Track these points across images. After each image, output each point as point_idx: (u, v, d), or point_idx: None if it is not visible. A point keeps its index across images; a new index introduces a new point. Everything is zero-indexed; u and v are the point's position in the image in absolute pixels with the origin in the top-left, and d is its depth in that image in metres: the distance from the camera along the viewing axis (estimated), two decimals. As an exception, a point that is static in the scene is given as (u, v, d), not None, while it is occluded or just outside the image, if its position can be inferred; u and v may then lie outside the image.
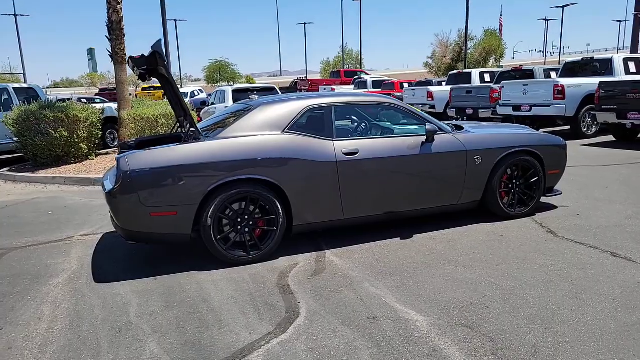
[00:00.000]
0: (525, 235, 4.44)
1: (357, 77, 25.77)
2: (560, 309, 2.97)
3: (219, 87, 14.18)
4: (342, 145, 4.22)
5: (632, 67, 11.54)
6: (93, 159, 9.81)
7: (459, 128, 4.95)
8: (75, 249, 4.65)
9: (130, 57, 3.89)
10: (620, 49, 70.38)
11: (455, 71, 17.63)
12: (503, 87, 11.89)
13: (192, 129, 4.02)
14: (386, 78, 23.80)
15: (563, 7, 40.81)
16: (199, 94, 30.61)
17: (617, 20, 64.80)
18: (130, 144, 4.95)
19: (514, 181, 4.92)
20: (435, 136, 4.56)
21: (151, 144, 4.90)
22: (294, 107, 4.25)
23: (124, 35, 10.24)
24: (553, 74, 13.65)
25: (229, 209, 3.93)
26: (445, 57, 39.22)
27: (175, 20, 51.86)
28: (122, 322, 3.07)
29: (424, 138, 4.52)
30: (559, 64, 16.31)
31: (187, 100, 23.54)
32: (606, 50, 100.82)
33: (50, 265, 4.21)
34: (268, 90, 12.30)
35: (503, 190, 4.88)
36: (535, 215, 5.04)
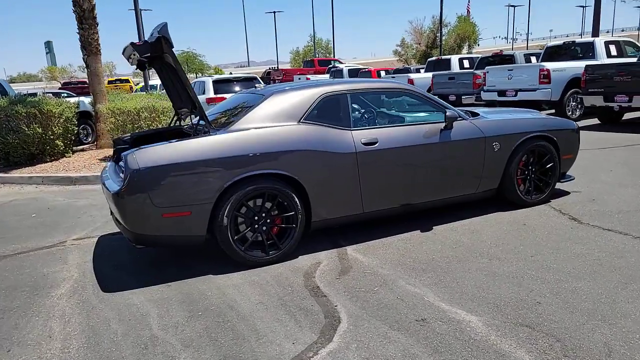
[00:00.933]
0: (548, 223, 4.31)
1: (331, 66, 25.48)
2: (617, 302, 2.83)
3: (197, 78, 13.65)
4: (360, 135, 3.98)
5: (613, 50, 11.67)
6: (70, 156, 9.27)
7: (474, 114, 4.77)
8: (72, 255, 4.28)
9: (132, 44, 3.53)
10: (582, 34, 72.26)
11: (434, 58, 17.56)
12: (487, 72, 11.85)
13: (202, 122, 3.70)
14: (362, 66, 23.59)
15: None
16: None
17: (581, 6, 66.31)
18: (126, 140, 4.58)
19: (530, 167, 4.79)
20: (454, 123, 4.37)
21: (149, 139, 4.57)
22: (309, 95, 3.98)
23: (97, 24, 9.69)
24: (533, 59, 13.71)
25: (245, 206, 3.64)
26: (419, 44, 39.30)
27: (139, 10, 49.96)
28: (146, 337, 2.77)
29: (442, 125, 4.32)
30: (527, 49, 16.43)
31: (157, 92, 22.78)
32: (567, 36, 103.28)
33: (48, 275, 3.84)
34: (250, 80, 11.92)
35: (519, 178, 4.74)
36: (550, 202, 4.93)
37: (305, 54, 59.88)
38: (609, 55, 11.50)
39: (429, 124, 4.29)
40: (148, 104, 8.54)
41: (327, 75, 23.11)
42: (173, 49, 3.54)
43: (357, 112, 4.21)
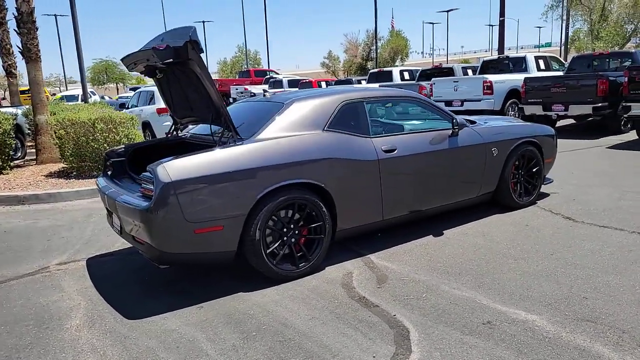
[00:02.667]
0: (547, 223, 4.56)
1: (269, 76, 25.36)
2: (654, 292, 3.05)
3: (144, 87, 12.96)
4: (380, 142, 3.98)
5: (542, 64, 12.71)
6: (8, 173, 8.41)
7: (471, 122, 4.95)
8: (65, 282, 3.85)
9: (154, 48, 3.27)
10: (489, 50, 77.87)
11: (375, 69, 18.06)
12: (434, 84, 12.39)
13: (228, 131, 3.51)
14: (300, 77, 23.70)
15: (448, 11, 44.22)
16: (92, 95, 28.09)
17: (490, 25, 71.52)
18: (120, 152, 4.25)
19: (520, 171, 5.05)
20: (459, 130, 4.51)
21: (147, 151, 4.27)
22: (330, 102, 3.92)
23: (37, 29, 8.93)
24: (470, 72, 14.55)
25: (275, 218, 3.50)
26: (355, 56, 40.34)
27: (55, 16, 46.17)
28: (209, 364, 2.55)
29: (449, 132, 4.44)
30: (447, 63, 17.51)
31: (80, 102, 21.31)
32: (475, 52, 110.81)
33: (48, 305, 3.43)
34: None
35: (513, 181, 4.98)
36: (537, 203, 5.22)
37: (234, 64, 59.12)
38: (538, 68, 12.49)
39: (438, 131, 4.39)
40: (104, 115, 7.96)
41: (265, 86, 22.92)
42: (202, 54, 3.33)
43: (373, 120, 4.20)
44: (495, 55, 13.71)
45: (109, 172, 4.15)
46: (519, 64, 12.56)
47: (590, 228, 4.33)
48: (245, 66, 45.68)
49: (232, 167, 3.28)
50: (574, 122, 12.13)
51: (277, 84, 22.65)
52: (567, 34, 27.75)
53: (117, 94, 46.76)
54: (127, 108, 12.76)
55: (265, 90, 6.10)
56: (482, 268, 3.59)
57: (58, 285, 3.80)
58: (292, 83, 22.20)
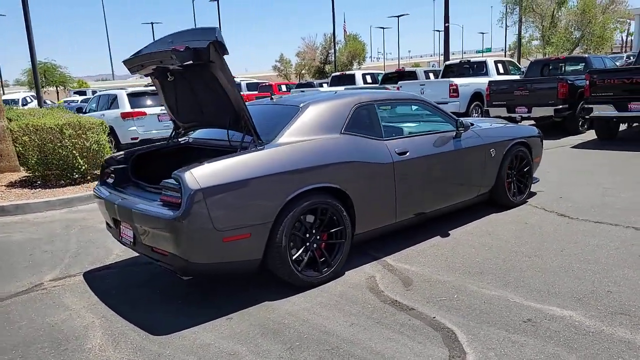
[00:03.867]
0: (545, 220, 4.72)
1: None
2: (671, 283, 3.21)
3: (103, 90, 12.35)
4: (393, 145, 3.99)
5: (501, 68, 13.23)
6: (-38, 184, 7.76)
7: (470, 124, 5.05)
8: (67, 299, 3.59)
9: (174, 50, 3.11)
10: (434, 55, 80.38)
11: (338, 73, 18.16)
12: (401, 87, 12.61)
13: (249, 135, 3.39)
14: (259, 81, 23.46)
15: (398, 16, 45.25)
16: (31, 100, 26.63)
17: (437, 30, 73.80)
18: (120, 159, 4.02)
19: (513, 171, 5.21)
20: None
21: (149, 158, 4.08)
22: (344, 105, 3.88)
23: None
24: (431, 75, 14.92)
25: (298, 224, 3.42)
26: (314, 59, 40.47)
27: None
28: (263, 378, 2.44)
29: (453, 133, 4.52)
30: (399, 67, 17.94)
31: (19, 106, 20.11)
32: (421, 57, 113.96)
33: (57, 325, 3.18)
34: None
35: (508, 181, 5.13)
36: (528, 202, 5.40)
37: (180, 68, 57.50)
38: (498, 72, 13.00)
39: (444, 133, 4.46)
40: (72, 120, 7.53)
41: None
42: (225, 56, 3.19)
43: (383, 122, 4.20)
44: (456, 60, 14.15)
45: (111, 180, 3.91)
46: (479, 68, 13.02)
47: (586, 224, 4.52)
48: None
49: (260, 172, 3.18)
50: (534, 123, 12.68)
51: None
52: (519, 39, 29.21)
53: (58, 98, 44.41)
54: (84, 112, 12.14)
55: (272, 94, 5.91)
56: (501, 266, 3.66)
57: (60, 302, 3.54)
58: (251, 86, 21.96)
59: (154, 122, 10.75)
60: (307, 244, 3.48)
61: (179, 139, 4.37)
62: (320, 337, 2.80)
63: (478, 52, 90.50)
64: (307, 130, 3.60)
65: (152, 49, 3.49)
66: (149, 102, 10.89)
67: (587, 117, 8.93)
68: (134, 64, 3.67)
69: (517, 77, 13.36)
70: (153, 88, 11.52)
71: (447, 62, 14.21)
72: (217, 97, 3.46)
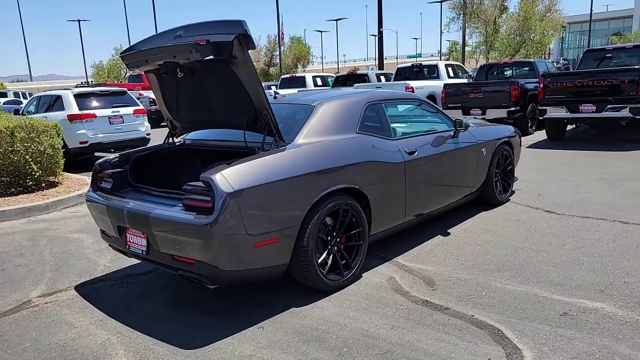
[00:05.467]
0: (535, 217, 4.90)
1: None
2: (676, 271, 3.43)
3: (47, 91, 11.41)
4: (402, 144, 3.98)
5: (451, 72, 13.72)
6: None
7: (461, 123, 5.15)
8: (68, 316, 3.26)
9: (195, 43, 2.90)
10: (368, 59, 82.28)
11: (287, 75, 18.03)
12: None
13: (270, 136, 3.24)
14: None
15: (337, 20, 45.84)
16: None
17: (373, 35, 75.56)
18: (115, 163, 3.72)
19: (498, 170, 5.38)
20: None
21: (148, 160, 3.82)
22: (356, 103, 3.83)
23: None
24: (383, 78, 15.20)
25: (322, 226, 3.31)
26: (258, 61, 39.92)
27: None
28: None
29: (452, 133, 4.59)
30: (339, 71, 18.21)
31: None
32: (354, 61, 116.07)
33: (68, 344, 2.87)
34: (120, 94, 10.51)
35: (494, 179, 5.29)
36: (510, 199, 5.60)
37: (111, 68, 54.94)
38: (449, 76, 13.47)
39: (444, 132, 4.51)
40: (24, 122, 6.90)
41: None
42: (249, 51, 3.02)
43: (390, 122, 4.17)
44: (409, 63, 14.52)
45: (108, 186, 3.60)
46: (431, 71, 13.43)
47: (575, 219, 4.75)
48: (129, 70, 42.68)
49: (288, 174, 3.05)
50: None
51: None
52: (463, 44, 30.55)
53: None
54: (22, 115, 11.18)
55: (276, 92, 5.68)
56: (514, 262, 3.74)
57: (61, 319, 3.20)
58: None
59: (105, 125, 10.10)
60: (329, 247, 3.38)
61: (175, 141, 4.11)
62: (367, 342, 2.72)
63: (410, 57, 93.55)
64: (324, 130, 3.51)
65: (160, 43, 3.24)
66: (98, 103, 10.20)
67: (541, 118, 9.43)
68: (136, 59, 3.41)
69: (465, 80, 13.91)
70: (102, 88, 10.87)
71: (399, 66, 14.54)
72: (234, 95, 3.27)
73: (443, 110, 4.88)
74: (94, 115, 9.92)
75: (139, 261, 4.12)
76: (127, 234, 3.29)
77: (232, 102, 3.35)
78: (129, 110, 10.31)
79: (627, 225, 4.49)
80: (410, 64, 14.24)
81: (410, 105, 4.58)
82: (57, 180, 7.58)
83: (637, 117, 8.48)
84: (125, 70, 55.14)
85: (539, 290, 3.25)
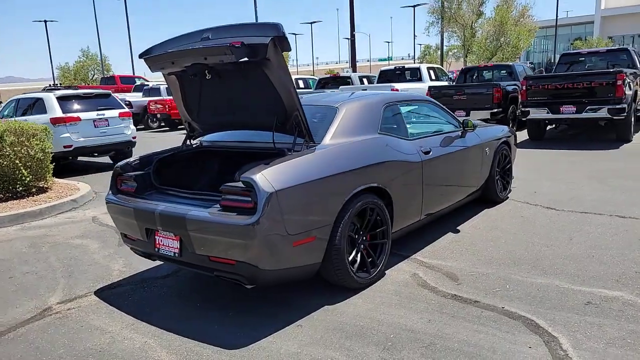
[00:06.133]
0: (536, 213, 5.09)
1: (140, 83, 23.65)
2: (682, 261, 3.64)
3: (26, 94, 11.04)
4: (418, 144, 4.08)
5: (432, 74, 13.99)
6: None
7: (463, 124, 5.30)
8: (96, 321, 3.22)
9: (231, 45, 2.92)
10: (342, 61, 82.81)
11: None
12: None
13: (300, 137, 3.29)
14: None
15: (311, 23, 46.01)
16: None
17: (347, 38, 76.14)
18: (135, 165, 3.70)
19: (498, 168, 5.56)
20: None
21: (168, 162, 3.80)
22: (376, 104, 3.93)
23: None
24: (365, 81, 15.38)
25: (351, 225, 3.37)
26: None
27: None
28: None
29: (459, 133, 4.73)
30: (314, 74, 18.34)
31: None
32: (327, 64, 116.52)
33: (105, 349, 2.85)
34: (104, 97, 10.29)
35: (496, 178, 5.46)
36: (509, 197, 5.79)
37: (78, 70, 53.53)
38: (431, 78, 13.74)
39: (452, 133, 4.64)
40: (13, 126, 6.71)
41: (139, 94, 21.30)
42: (285, 52, 3.06)
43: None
44: (392, 66, 14.73)
45: (131, 188, 3.56)
46: (414, 74, 13.67)
47: (575, 215, 4.95)
48: (101, 72, 41.75)
49: (321, 174, 3.10)
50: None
51: (154, 91, 21.25)
52: (442, 47, 31.19)
53: None
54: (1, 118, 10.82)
55: (112, 99, 5.68)
56: (527, 256, 3.89)
57: (90, 325, 3.16)
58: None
59: (90, 128, 9.87)
60: (357, 245, 3.45)
61: (191, 143, 4.10)
62: (408, 336, 2.79)
63: (381, 60, 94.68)
64: (350, 130, 3.58)
65: (189, 45, 3.25)
66: (82, 106, 9.97)
67: (524, 119, 9.74)
68: (162, 60, 3.40)
69: (445, 82, 14.22)
70: (89, 91, 10.64)
71: (382, 68, 14.74)
72: (264, 96, 3.30)
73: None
74: (78, 119, 9.70)
75: (156, 265, 4.11)
76: (156, 237, 3.27)
77: (261, 104, 3.38)
78: (115, 113, 10.12)
79: (625, 219, 4.71)
80: (393, 67, 14.45)
81: (420, 106, 4.69)
82: (46, 186, 7.40)
83: (615, 117, 8.88)
84: (93, 72, 53.90)
85: (559, 281, 3.40)
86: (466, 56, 30.71)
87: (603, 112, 8.91)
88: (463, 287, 3.40)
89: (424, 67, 13.77)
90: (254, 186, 2.79)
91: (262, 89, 3.26)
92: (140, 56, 3.64)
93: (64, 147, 9.63)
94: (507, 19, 29.02)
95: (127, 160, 3.72)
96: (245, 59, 2.99)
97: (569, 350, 2.55)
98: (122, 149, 10.45)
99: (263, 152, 3.53)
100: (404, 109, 4.26)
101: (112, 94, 10.80)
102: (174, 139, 15.66)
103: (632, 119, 9.53)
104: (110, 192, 3.69)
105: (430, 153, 4.14)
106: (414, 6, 37.17)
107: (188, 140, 4.05)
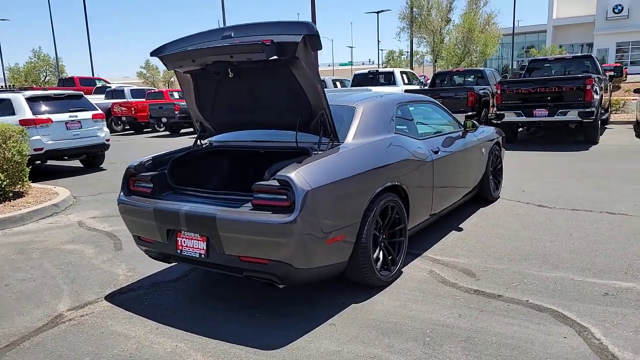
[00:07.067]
0: (531, 211, 5.27)
1: (102, 85, 22.92)
2: (680, 253, 3.85)
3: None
4: (427, 144, 4.15)
5: (405, 78, 14.25)
6: None
7: (460, 124, 5.42)
8: (116, 327, 3.10)
9: (263, 43, 2.89)
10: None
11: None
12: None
13: (325, 136, 3.28)
14: (148, 87, 21.94)
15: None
16: None
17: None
18: (148, 165, 3.59)
19: (490, 168, 5.72)
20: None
21: (182, 162, 3.71)
22: (390, 103, 3.98)
23: None
24: (339, 84, 15.48)
25: (375, 223, 3.39)
26: None
27: None
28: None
29: (460, 133, 4.84)
30: None
31: None
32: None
33: (134, 355, 2.74)
34: (76, 98, 9.90)
35: (490, 178, 5.61)
36: (500, 196, 5.96)
37: (29, 71, 51.31)
38: (404, 82, 13.99)
39: (454, 133, 4.75)
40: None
41: (101, 96, 20.62)
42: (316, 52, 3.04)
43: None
44: (366, 70, 14.89)
45: (148, 189, 3.44)
46: (388, 78, 13.89)
47: (567, 212, 5.15)
48: (55, 74, 40.07)
49: (351, 172, 3.12)
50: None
51: (117, 93, 20.66)
52: (411, 52, 31.74)
53: None
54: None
55: (85, 100, 5.57)
56: (535, 252, 4.02)
57: (111, 331, 3.03)
58: (136, 93, 20.51)
59: (62, 130, 9.48)
60: (379, 243, 3.47)
61: (201, 143, 4.01)
62: (444, 331, 2.83)
63: (342, 64, 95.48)
64: (369, 129, 3.60)
65: (212, 43, 3.18)
66: (53, 107, 9.55)
67: (499, 122, 10.06)
68: (181, 58, 3.31)
69: (417, 86, 14.51)
70: (60, 92, 10.22)
71: (356, 72, 14.88)
72: (288, 95, 3.28)
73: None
74: (50, 120, 9.30)
75: (164, 268, 4.00)
76: (178, 238, 3.17)
77: (285, 103, 3.35)
78: (88, 114, 9.77)
79: (615, 215, 4.95)
80: (367, 71, 14.62)
81: (425, 106, 4.77)
82: (23, 190, 7.04)
83: (584, 120, 9.31)
84: (45, 74, 51.80)
85: (572, 274, 3.53)
86: (435, 61, 31.48)
87: (574, 115, 9.32)
88: (482, 283, 3.47)
89: (397, 71, 14.02)
90: (290, 184, 2.76)
91: (287, 87, 3.24)
92: (153, 54, 3.55)
93: (35, 150, 9.19)
94: (475, 26, 30.03)
95: (141, 160, 3.60)
96: (275, 57, 2.96)
97: (602, 339, 2.66)
98: (96, 152, 10.10)
99: (283, 151, 3.50)
100: (412, 109, 4.33)
101: (84, 95, 10.42)
102: (144, 143, 15.28)
103: (599, 122, 10.02)
104: (122, 193, 3.56)
105: (439, 152, 4.22)
106: (378, 12, 37.86)
107: (198, 141, 3.96)
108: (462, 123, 4.90)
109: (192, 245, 3.11)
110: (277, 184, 2.82)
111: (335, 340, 2.78)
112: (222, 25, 26.13)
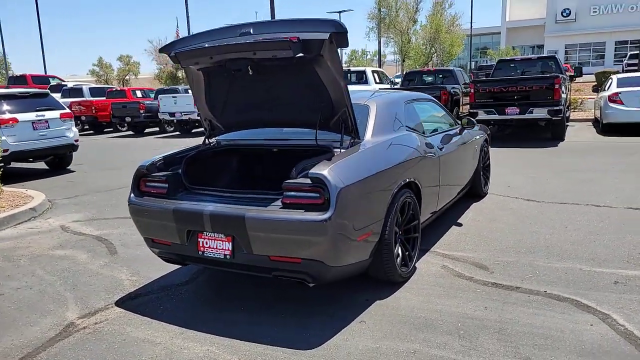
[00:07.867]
0: (522, 205, 5.44)
1: (57, 83, 21.98)
2: (672, 242, 4.07)
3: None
4: (433, 140, 4.21)
5: (377, 77, 14.41)
6: None
7: (453, 122, 5.53)
8: (134, 333, 2.98)
9: (290, 40, 2.84)
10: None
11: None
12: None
13: (347, 134, 3.27)
14: (108, 86, 21.18)
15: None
16: None
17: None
18: (159, 165, 3.47)
19: (482, 164, 5.86)
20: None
21: (195, 161, 3.62)
22: (399, 101, 4.01)
23: None
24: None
25: (395, 220, 3.41)
26: (166, 64, 38.33)
27: None
28: (477, 367, 2.43)
29: (458, 129, 4.94)
30: None
31: None
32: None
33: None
34: (42, 97, 9.41)
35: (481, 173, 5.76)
36: (488, 192, 6.12)
37: (-28, 69, 48.52)
38: (375, 81, 14.14)
39: (453, 129, 4.84)
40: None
41: (58, 95, 19.74)
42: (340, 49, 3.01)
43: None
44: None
45: (162, 190, 3.32)
46: (360, 77, 14.00)
47: (556, 205, 5.35)
48: (4, 71, 38.08)
49: (376, 169, 3.14)
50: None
51: (75, 92, 19.87)
52: (379, 52, 32.04)
53: None
54: None
55: (51, 98, 5.43)
56: (537, 244, 4.15)
57: (133, 338, 2.91)
58: (96, 92, 19.78)
59: (28, 130, 9.01)
60: (398, 239, 3.49)
61: (209, 142, 3.91)
62: (476, 323, 2.88)
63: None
64: (385, 127, 3.62)
65: (233, 40, 3.10)
66: (18, 106, 9.06)
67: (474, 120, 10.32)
68: (199, 55, 3.21)
69: (387, 85, 14.70)
70: (25, 90, 9.71)
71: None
72: (309, 93, 3.25)
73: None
74: (15, 120, 8.82)
75: (170, 271, 3.89)
76: (199, 239, 3.08)
77: (305, 100, 3.31)
78: (55, 114, 9.33)
79: (600, 207, 5.18)
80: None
81: (426, 104, 4.83)
82: (-6, 194, 6.65)
83: (554, 117, 9.70)
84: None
85: (580, 265, 3.67)
86: (403, 61, 32.02)
87: (543, 113, 9.70)
88: (497, 275, 3.56)
89: (369, 70, 14.16)
90: (325, 182, 2.73)
91: (308, 84, 3.21)
92: (163, 50, 3.45)
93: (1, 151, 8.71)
94: (441, 26, 30.76)
95: (152, 160, 3.47)
96: (301, 54, 2.92)
97: (626, 325, 2.78)
98: (64, 153, 9.68)
99: (301, 149, 3.46)
100: (417, 107, 4.38)
101: (51, 94, 9.95)
102: (105, 143, 14.77)
103: (565, 120, 10.47)
104: (132, 194, 3.42)
105: (443, 149, 4.29)
106: (340, 12, 38.06)
107: (206, 140, 3.86)
108: (461, 120, 4.99)
109: (216, 246, 3.02)
110: (310, 181, 2.78)
111: (370, 338, 2.78)
112: (185, 25, 25.54)
